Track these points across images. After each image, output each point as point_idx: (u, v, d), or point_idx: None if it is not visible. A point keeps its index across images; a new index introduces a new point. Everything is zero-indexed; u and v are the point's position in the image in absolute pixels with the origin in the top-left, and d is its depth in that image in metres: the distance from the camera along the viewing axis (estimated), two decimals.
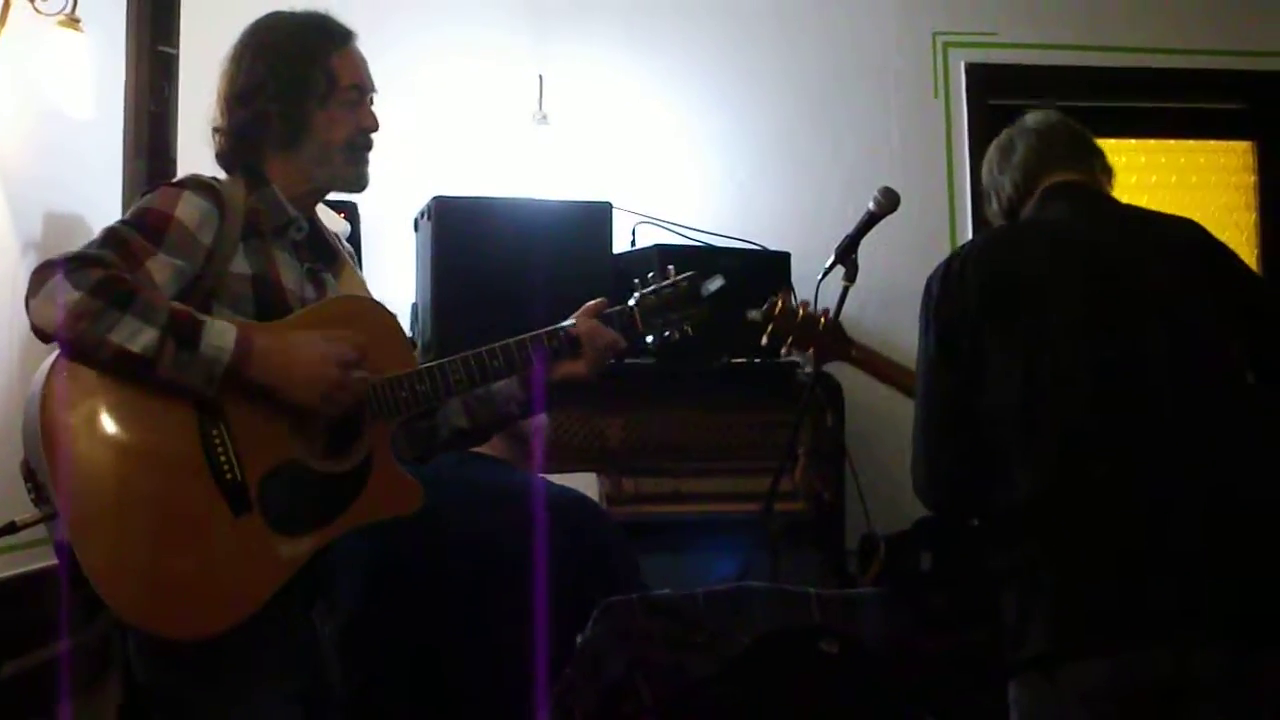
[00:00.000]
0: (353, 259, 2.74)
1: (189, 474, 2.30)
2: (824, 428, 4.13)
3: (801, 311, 2.89)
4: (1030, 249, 2.51)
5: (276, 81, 2.52)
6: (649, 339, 2.72)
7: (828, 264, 3.10)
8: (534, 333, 2.64)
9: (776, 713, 2.57)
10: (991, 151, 2.81)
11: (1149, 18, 5.02)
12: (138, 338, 2.21)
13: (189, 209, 2.40)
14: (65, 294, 2.19)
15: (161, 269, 2.34)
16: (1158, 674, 2.22)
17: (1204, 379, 2.37)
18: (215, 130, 2.59)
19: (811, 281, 3.21)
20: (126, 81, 4.01)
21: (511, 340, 2.61)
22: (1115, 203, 2.65)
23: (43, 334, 2.24)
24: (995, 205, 2.79)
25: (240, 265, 2.44)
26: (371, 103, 2.63)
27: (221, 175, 2.56)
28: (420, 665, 2.93)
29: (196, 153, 4.12)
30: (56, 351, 2.26)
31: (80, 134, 3.64)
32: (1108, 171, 2.75)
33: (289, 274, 2.52)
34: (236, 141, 2.56)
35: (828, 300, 3.13)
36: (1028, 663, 2.32)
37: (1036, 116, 2.83)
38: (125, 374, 2.24)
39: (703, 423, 4.07)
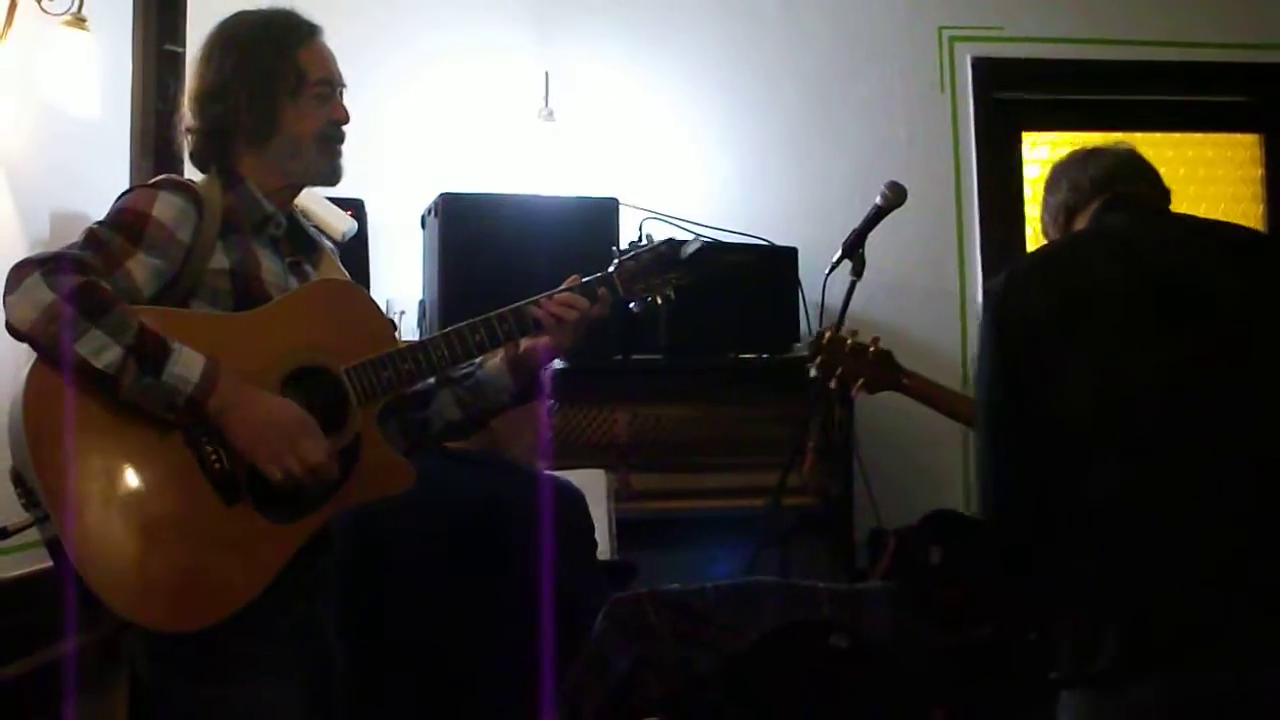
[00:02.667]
0: (333, 254, 2.74)
1: (177, 467, 2.29)
2: (832, 423, 4.13)
3: (850, 341, 2.87)
4: (1097, 256, 2.44)
5: (245, 77, 2.52)
6: (632, 305, 2.72)
7: (835, 258, 3.09)
8: (516, 304, 2.64)
9: (786, 707, 2.57)
10: (1051, 172, 2.74)
11: (1155, 11, 5.01)
12: (102, 354, 2.19)
13: (165, 207, 2.39)
14: (39, 293, 2.18)
15: (141, 268, 2.33)
16: (1226, 693, 2.20)
17: None
18: (188, 130, 2.60)
19: (818, 276, 3.20)
20: (133, 80, 4.01)
21: (492, 313, 2.61)
22: (1176, 214, 2.62)
23: (15, 331, 2.23)
24: (1050, 218, 2.72)
25: (219, 261, 2.44)
26: (341, 96, 2.63)
27: (197, 177, 2.56)
28: (405, 658, 2.94)
29: None
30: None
31: (87, 133, 3.64)
32: (1166, 196, 2.70)
33: (271, 268, 2.51)
34: (209, 139, 2.56)
35: (835, 295, 3.13)
36: (1095, 677, 2.29)
37: (1100, 146, 2.75)
38: (89, 386, 2.23)
39: (711, 418, 4.08)
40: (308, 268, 2.62)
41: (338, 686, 2.61)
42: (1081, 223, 2.61)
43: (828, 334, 2.89)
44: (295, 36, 2.58)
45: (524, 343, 2.68)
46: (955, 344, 4.62)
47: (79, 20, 3.39)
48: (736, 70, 4.82)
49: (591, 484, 3.50)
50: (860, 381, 2.88)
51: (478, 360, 2.72)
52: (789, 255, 4.31)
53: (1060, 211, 2.64)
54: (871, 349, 2.88)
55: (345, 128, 2.61)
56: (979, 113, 4.91)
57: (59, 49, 3.36)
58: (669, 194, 4.57)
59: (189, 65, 2.62)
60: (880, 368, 2.90)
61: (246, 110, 2.52)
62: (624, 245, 4.18)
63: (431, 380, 2.67)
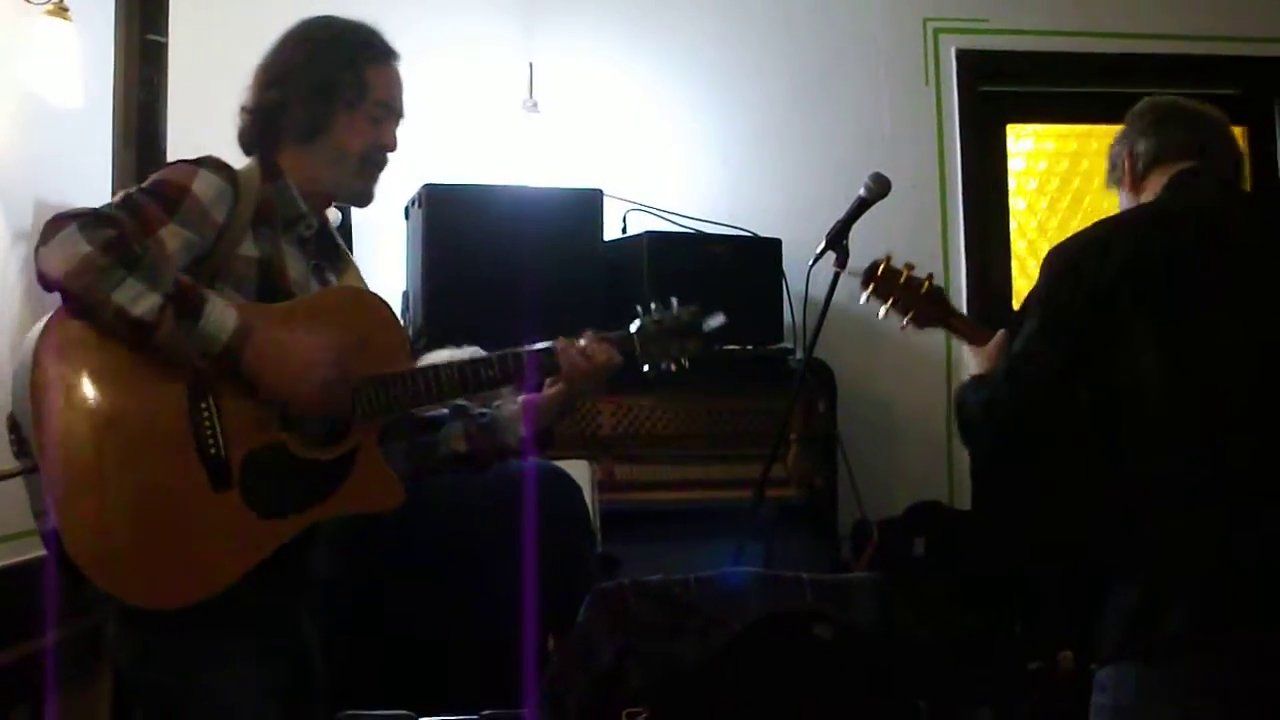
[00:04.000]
0: (356, 268, 2.74)
1: (173, 443, 2.30)
2: (816, 414, 4.14)
3: (905, 274, 2.84)
4: (1175, 228, 2.46)
5: (309, 73, 2.54)
6: (645, 367, 2.70)
7: (818, 250, 3.09)
8: (536, 346, 2.63)
9: (769, 697, 2.57)
10: (1147, 113, 2.72)
11: (1140, 4, 5.02)
12: (140, 301, 2.20)
13: (204, 184, 2.40)
14: (76, 245, 2.19)
15: (173, 238, 2.34)
16: None
17: None
18: (242, 109, 2.60)
19: (802, 268, 3.20)
20: (115, 70, 4.00)
21: (508, 350, 2.61)
22: (1249, 191, 2.64)
23: (47, 282, 2.23)
24: (1128, 158, 2.69)
25: (248, 249, 2.45)
26: (395, 124, 2.64)
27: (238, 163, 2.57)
28: (396, 642, 2.94)
29: (186, 142, 4.18)
30: (54, 308, 2.26)
31: (70, 123, 3.63)
32: (1241, 166, 2.75)
33: (295, 266, 2.52)
34: (259, 123, 2.57)
35: (819, 287, 3.13)
36: (1165, 641, 2.30)
37: (1200, 108, 2.74)
38: (122, 335, 2.23)
39: (695, 410, 4.08)
40: (330, 275, 2.63)
41: (314, 681, 2.61)
42: (1159, 176, 2.61)
43: (882, 265, 2.85)
44: (370, 53, 2.61)
45: (545, 392, 2.67)
46: (939, 336, 4.63)
47: (61, 10, 3.38)
48: (721, 62, 4.82)
49: (575, 475, 3.49)
50: (910, 315, 2.84)
51: (495, 404, 2.72)
52: (773, 247, 4.30)
53: (1145, 158, 2.64)
54: (926, 285, 2.84)
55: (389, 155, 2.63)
56: (963, 105, 4.92)
57: (41, 39, 3.36)
58: (653, 185, 4.57)
59: (266, 49, 2.61)
60: (931, 304, 2.86)
61: (301, 105, 2.53)
62: (613, 238, 4.23)
63: (445, 410, 2.67)
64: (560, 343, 2.62)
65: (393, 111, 2.64)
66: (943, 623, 3.85)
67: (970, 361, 2.76)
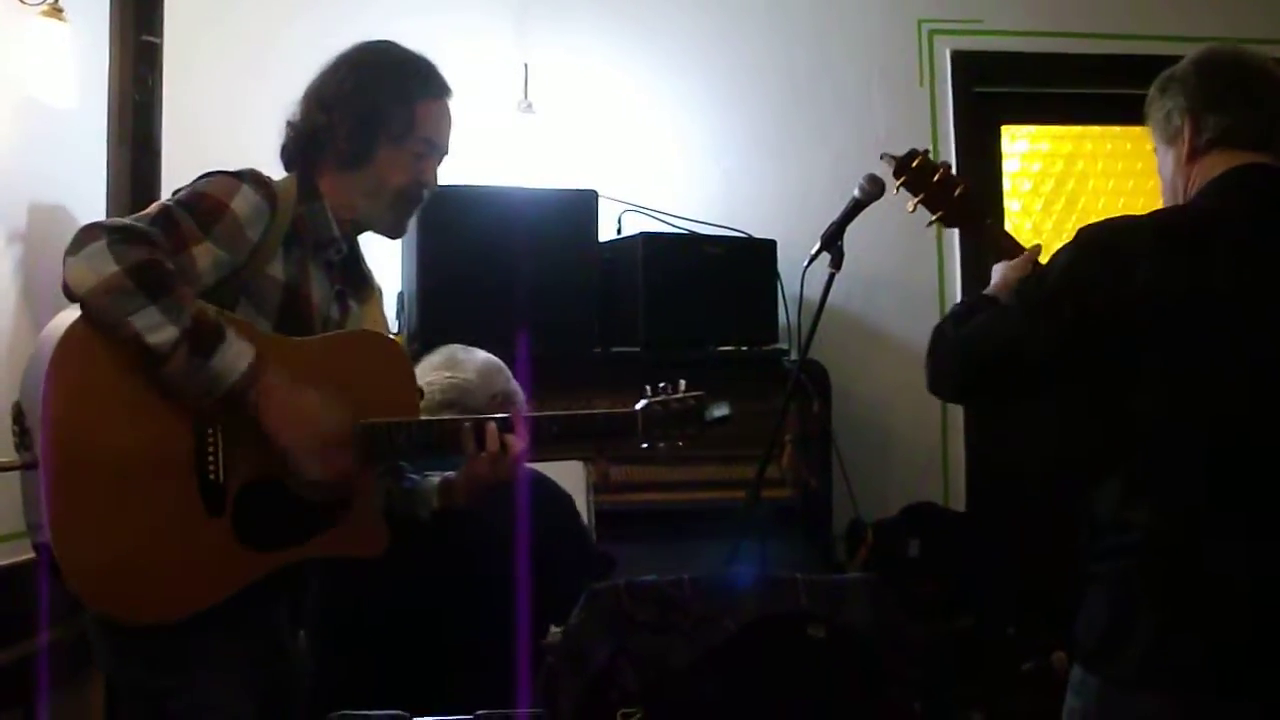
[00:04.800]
0: (380, 295, 2.74)
1: (174, 463, 2.31)
2: (811, 415, 4.14)
3: (941, 171, 2.78)
4: (1210, 252, 2.28)
5: (358, 101, 2.54)
6: (644, 445, 2.71)
7: (813, 251, 3.08)
8: (549, 414, 2.68)
9: (763, 697, 2.57)
10: (1221, 74, 2.45)
11: (1135, 5, 5.02)
12: (157, 332, 2.20)
13: (244, 202, 2.40)
14: (104, 263, 2.19)
15: (206, 256, 2.34)
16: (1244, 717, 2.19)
17: None
18: (289, 124, 2.60)
19: (797, 269, 3.21)
20: (110, 71, 4.00)
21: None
22: None
23: (70, 293, 2.24)
24: (1186, 134, 2.44)
25: (276, 269, 2.45)
26: (438, 163, 2.65)
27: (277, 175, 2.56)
28: (392, 648, 2.94)
29: (181, 142, 4.19)
30: (56, 309, 2.28)
31: (64, 124, 3.63)
32: None
33: (319, 290, 2.53)
34: (303, 141, 2.57)
35: (813, 288, 3.13)
36: (1110, 679, 2.28)
37: (1265, 64, 2.46)
38: (135, 358, 2.23)
39: None
40: (352, 302, 2.64)
41: (293, 681, 2.62)
42: (1220, 160, 2.39)
43: (919, 158, 2.79)
44: (423, 89, 2.62)
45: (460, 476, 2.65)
46: None
47: (56, 10, 3.38)
48: (717, 63, 4.82)
49: (570, 477, 3.49)
50: (940, 213, 2.78)
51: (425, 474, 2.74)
52: (768, 248, 4.31)
53: (1212, 134, 2.40)
54: (961, 187, 2.78)
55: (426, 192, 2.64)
56: (958, 106, 4.92)
57: (36, 39, 3.36)
58: (648, 187, 4.57)
59: (322, 67, 2.61)
60: (963, 205, 2.79)
61: (346, 132, 2.54)
62: (608, 239, 4.23)
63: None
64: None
65: (437, 149, 2.65)
66: (937, 624, 3.85)
67: (995, 272, 2.70)
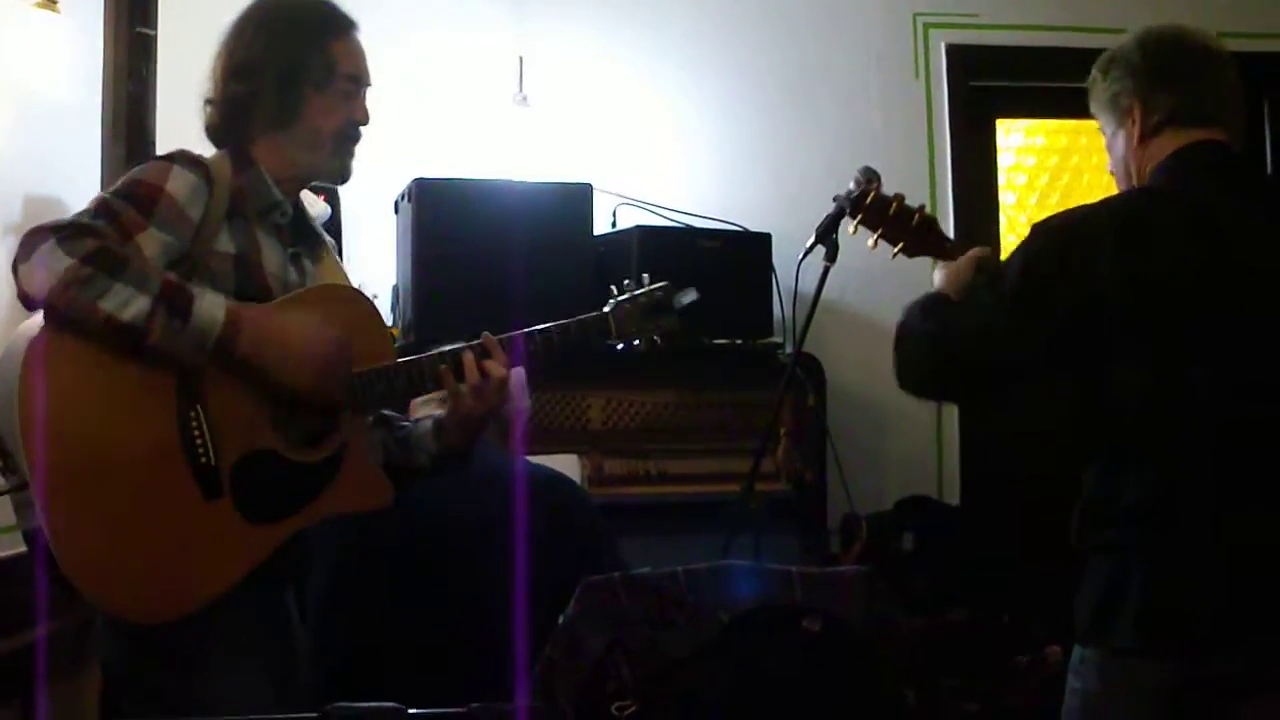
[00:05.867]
0: (332, 249, 2.74)
1: (163, 454, 2.29)
2: (805, 408, 4.14)
3: (895, 206, 2.78)
4: (1171, 233, 2.30)
5: (275, 59, 2.52)
6: (619, 346, 2.72)
7: (808, 244, 3.08)
8: (526, 330, 2.64)
9: (758, 690, 2.58)
10: (1167, 54, 2.50)
11: None
12: (129, 306, 2.20)
13: (179, 183, 2.39)
14: (56, 260, 2.17)
15: (151, 242, 2.32)
16: (1233, 671, 2.21)
17: None
18: (207, 102, 2.58)
19: (792, 262, 3.21)
20: (105, 63, 3.99)
21: (496, 338, 2.61)
22: (1259, 173, 2.45)
23: (30, 300, 2.22)
24: (1136, 115, 2.47)
25: (224, 244, 2.43)
26: (365, 96, 2.62)
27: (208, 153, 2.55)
28: (400, 648, 2.93)
29: (176, 134, 4.14)
30: (38, 320, 2.24)
31: (59, 116, 3.63)
32: (1242, 125, 2.50)
33: (272, 257, 2.51)
34: (228, 116, 2.55)
35: (808, 282, 3.13)
36: (1108, 650, 2.30)
37: (1207, 41, 2.54)
38: (115, 343, 2.22)
39: (684, 404, 4.08)
40: (307, 261, 2.62)
41: (302, 674, 2.61)
42: (1171, 139, 2.43)
43: (870, 194, 2.78)
44: (331, 28, 2.58)
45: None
46: None
47: (50, 2, 3.38)
48: (712, 56, 4.82)
49: (565, 469, 3.49)
50: (901, 245, 2.79)
51: (415, 419, 2.74)
52: (763, 241, 4.31)
53: (1161, 114, 2.44)
54: (917, 216, 2.78)
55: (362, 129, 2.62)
56: (954, 100, 4.92)
57: (30, 31, 3.35)
58: (643, 180, 4.56)
59: (221, 38, 2.59)
60: (922, 234, 2.81)
61: (270, 94, 2.51)
62: (603, 232, 4.23)
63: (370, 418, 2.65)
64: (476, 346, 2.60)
65: (361, 84, 2.62)
66: (931, 616, 3.86)
67: (937, 276, 2.70)
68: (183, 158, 2.44)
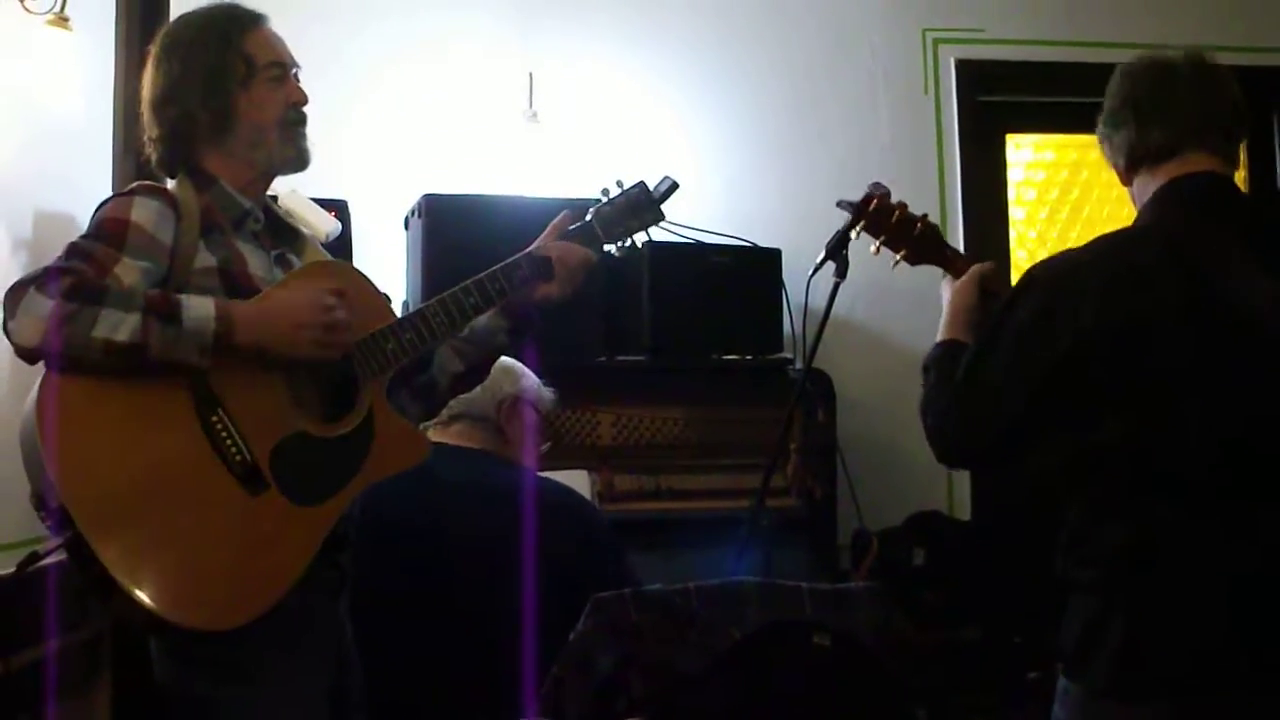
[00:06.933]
0: (313, 242, 2.75)
1: (198, 464, 2.30)
2: (816, 424, 4.14)
3: (898, 212, 2.79)
4: (1158, 273, 2.29)
5: (194, 75, 2.52)
6: (613, 250, 2.80)
7: (818, 260, 3.08)
8: (505, 261, 2.68)
9: (768, 705, 2.58)
10: (1152, 87, 2.54)
11: (1138, 13, 5.01)
12: (121, 327, 2.21)
13: (143, 211, 2.40)
14: (39, 306, 2.19)
15: (129, 272, 2.33)
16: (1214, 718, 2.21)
17: None
18: (149, 140, 2.59)
19: (802, 278, 3.20)
20: (115, 80, 3.99)
21: (484, 274, 2.65)
22: (1254, 205, 2.46)
23: (27, 353, 2.23)
24: (1137, 154, 2.49)
25: (204, 260, 2.44)
26: (297, 78, 2.63)
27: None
28: (414, 666, 2.93)
29: None
30: (42, 374, 2.25)
31: (69, 133, 3.64)
32: (1237, 145, 2.55)
33: (256, 262, 2.52)
34: (171, 144, 2.56)
35: (818, 297, 3.13)
36: (1088, 689, 2.29)
37: (1200, 64, 2.58)
38: (119, 366, 2.23)
39: (694, 420, 4.07)
40: (292, 257, 2.63)
41: (353, 689, 2.61)
42: (1165, 171, 2.44)
43: (875, 200, 2.79)
44: (238, 26, 2.58)
45: (538, 291, 2.73)
46: None
47: (62, 20, 3.39)
48: (721, 72, 4.82)
49: (575, 486, 3.50)
50: (902, 253, 2.80)
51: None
52: (772, 257, 4.31)
53: (1157, 150, 2.46)
54: (919, 224, 2.80)
55: (307, 109, 2.62)
56: (963, 115, 4.92)
57: (41, 48, 3.36)
58: None
59: (144, 77, 2.61)
60: (925, 242, 2.82)
61: (201, 107, 2.52)
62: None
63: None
64: (552, 248, 2.73)
65: (286, 67, 2.61)
66: (942, 633, 3.85)
67: (944, 292, 2.73)
68: (143, 189, 2.46)
